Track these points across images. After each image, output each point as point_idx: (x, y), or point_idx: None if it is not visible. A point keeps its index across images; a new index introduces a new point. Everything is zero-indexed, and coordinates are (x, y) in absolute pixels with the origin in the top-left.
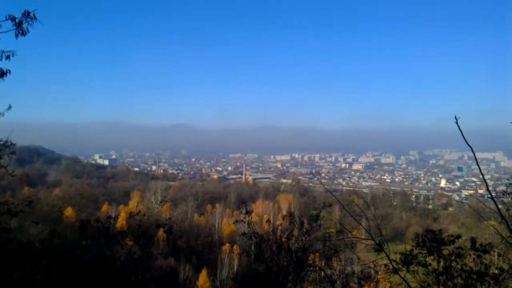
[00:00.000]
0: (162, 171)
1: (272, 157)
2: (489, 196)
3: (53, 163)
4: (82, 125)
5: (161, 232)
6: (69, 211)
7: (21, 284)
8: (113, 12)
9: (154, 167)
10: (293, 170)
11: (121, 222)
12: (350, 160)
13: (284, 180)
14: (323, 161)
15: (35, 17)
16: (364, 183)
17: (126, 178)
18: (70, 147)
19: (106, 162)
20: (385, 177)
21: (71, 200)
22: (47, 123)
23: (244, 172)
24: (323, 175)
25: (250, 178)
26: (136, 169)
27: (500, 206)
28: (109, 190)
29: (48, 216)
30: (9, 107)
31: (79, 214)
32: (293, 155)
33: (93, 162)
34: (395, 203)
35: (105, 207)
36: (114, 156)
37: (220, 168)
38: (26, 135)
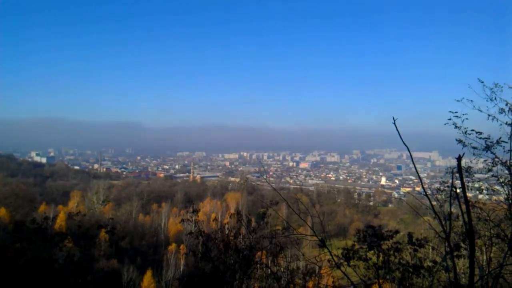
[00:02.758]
0: (104, 169)
1: (220, 155)
2: (425, 193)
3: None
4: (18, 121)
5: (103, 233)
6: (2, 212)
7: None
8: (53, 3)
9: (96, 166)
10: (241, 168)
11: (60, 223)
12: (297, 158)
13: (232, 179)
14: (271, 159)
15: None
16: (310, 181)
17: (66, 177)
18: (4, 144)
19: (44, 160)
20: (330, 175)
21: (5, 200)
22: None
23: (192, 170)
24: (271, 173)
25: (198, 177)
26: (77, 167)
27: (434, 203)
28: (47, 190)
29: None
30: None
31: (13, 215)
32: (242, 153)
33: (30, 159)
34: (339, 200)
35: (42, 207)
36: (52, 154)
37: (167, 167)
38: None
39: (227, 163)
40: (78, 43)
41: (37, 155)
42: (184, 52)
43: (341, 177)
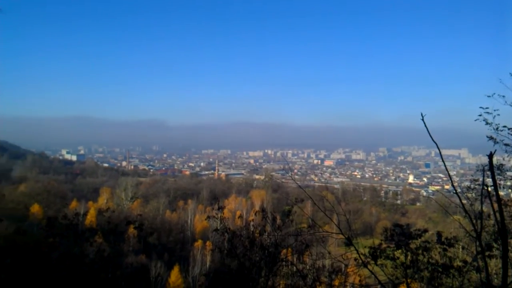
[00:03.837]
0: (132, 167)
1: (245, 153)
2: (454, 191)
3: (18, 158)
4: (49, 120)
5: (131, 229)
6: (35, 208)
7: None
8: (83, 1)
9: (124, 163)
10: (266, 166)
11: (90, 219)
12: (322, 156)
13: (257, 176)
14: (295, 157)
15: None
16: (335, 179)
17: (95, 174)
18: (36, 142)
19: (74, 158)
20: (355, 173)
21: (38, 196)
22: (11, 117)
23: (216, 168)
24: (295, 171)
25: (223, 174)
26: (106, 165)
27: (464, 201)
28: (78, 187)
29: (13, 213)
30: None
31: (46, 211)
32: (266, 151)
33: (61, 157)
34: (365, 199)
35: (73, 203)
36: (82, 152)
37: (192, 164)
38: None
39: (252, 161)
40: (105, 40)
41: (67, 153)
42: (209, 49)
43: (367, 175)
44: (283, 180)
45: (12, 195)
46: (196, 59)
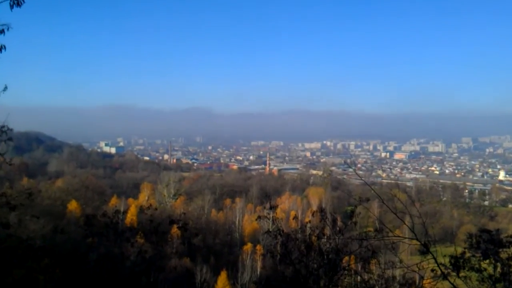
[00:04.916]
0: (175, 160)
1: (300, 145)
2: None
3: (54, 151)
4: (87, 110)
5: (175, 229)
6: (73, 205)
7: (22, 284)
8: None
9: (166, 156)
10: (324, 160)
11: (130, 217)
12: (391, 148)
13: (314, 172)
14: (359, 149)
15: None
16: (408, 175)
17: (136, 168)
18: (73, 134)
19: (113, 150)
20: (432, 168)
21: (75, 192)
22: (47, 107)
23: (268, 162)
24: (359, 165)
25: (275, 169)
26: (146, 158)
27: None
28: (117, 182)
29: (50, 210)
30: (5, 88)
31: (84, 208)
32: (325, 142)
33: (99, 150)
34: (444, 199)
35: (113, 200)
36: (121, 144)
37: (240, 158)
38: (24, 120)
39: (308, 154)
40: (147, 25)
41: (106, 145)
42: (260, 29)
43: (446, 171)
44: (345, 176)
45: (48, 191)
46: (245, 41)
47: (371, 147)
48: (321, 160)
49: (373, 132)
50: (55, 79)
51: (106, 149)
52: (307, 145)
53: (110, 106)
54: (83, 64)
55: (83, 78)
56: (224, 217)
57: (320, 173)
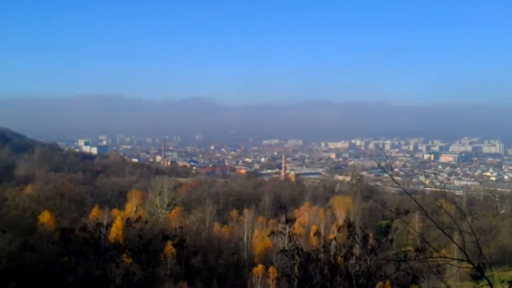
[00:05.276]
0: (169, 163)
1: (323, 144)
2: None
3: (24, 151)
4: (62, 101)
5: (169, 247)
6: (45, 217)
7: None
8: None
9: (158, 158)
10: (352, 162)
11: (115, 231)
12: (436, 149)
13: (341, 177)
14: (396, 150)
15: None
16: (457, 182)
17: (122, 173)
18: (46, 130)
19: (94, 151)
20: (488, 174)
21: (48, 201)
22: (15, 98)
23: (283, 165)
24: (396, 170)
25: (292, 174)
26: (135, 160)
27: None
28: (99, 189)
29: (17, 223)
30: None
31: (59, 221)
32: (353, 141)
33: (77, 150)
34: (503, 211)
35: (94, 211)
36: (104, 143)
37: (249, 160)
38: None
39: (333, 155)
40: (137, 4)
41: (86, 144)
42: (274, 10)
43: (505, 177)
44: (379, 182)
45: (16, 199)
46: (254, 22)
47: (411, 147)
48: (349, 163)
49: (413, 128)
50: (23, 64)
51: (86, 148)
52: (331, 145)
53: (90, 96)
54: (58, 47)
55: (57, 63)
56: (230, 233)
57: (348, 179)
